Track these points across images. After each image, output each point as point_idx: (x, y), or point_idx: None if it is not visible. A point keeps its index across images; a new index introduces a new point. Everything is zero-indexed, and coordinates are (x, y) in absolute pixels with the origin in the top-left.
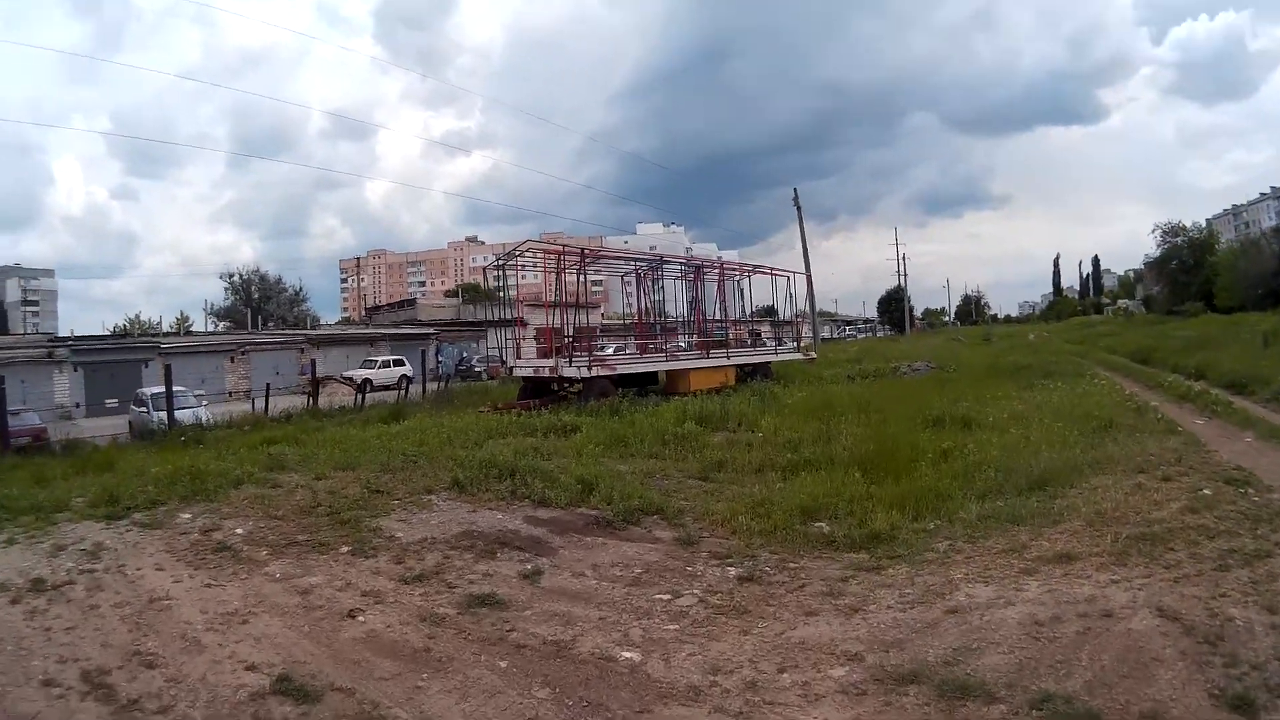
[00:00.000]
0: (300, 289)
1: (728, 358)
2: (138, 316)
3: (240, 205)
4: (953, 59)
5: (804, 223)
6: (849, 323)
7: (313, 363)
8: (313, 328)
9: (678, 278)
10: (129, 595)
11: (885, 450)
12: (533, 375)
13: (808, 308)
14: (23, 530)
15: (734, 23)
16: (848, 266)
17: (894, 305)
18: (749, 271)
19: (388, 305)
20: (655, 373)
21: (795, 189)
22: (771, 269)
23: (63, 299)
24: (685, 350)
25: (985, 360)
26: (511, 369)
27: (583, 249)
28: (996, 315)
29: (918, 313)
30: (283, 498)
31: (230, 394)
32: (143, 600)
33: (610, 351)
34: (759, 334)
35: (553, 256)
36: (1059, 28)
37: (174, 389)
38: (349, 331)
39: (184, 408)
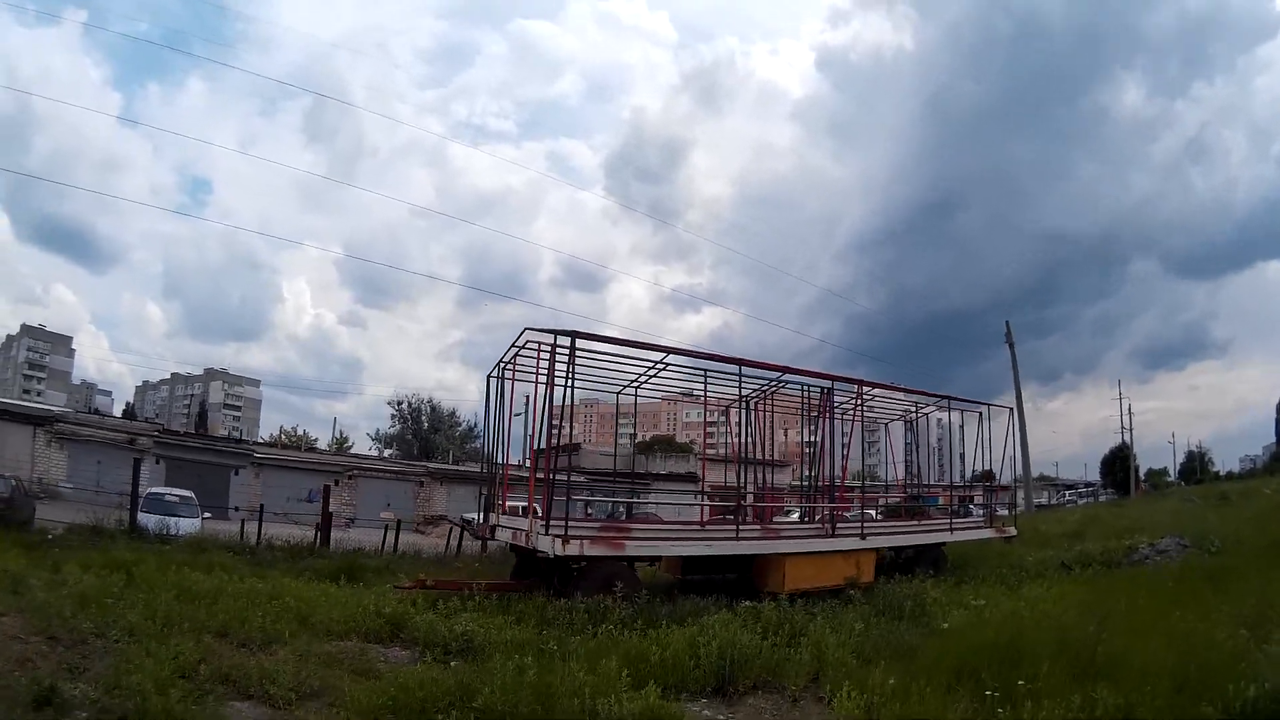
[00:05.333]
0: (475, 425)
1: (861, 536)
2: (295, 429)
3: (468, 345)
4: (1170, 196)
5: (1028, 383)
6: (1070, 487)
7: (326, 489)
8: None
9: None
10: None
11: None
12: (522, 545)
13: (1016, 463)
14: None
15: (959, 173)
16: (1069, 428)
17: (1117, 465)
18: (924, 405)
19: (552, 449)
20: (749, 558)
21: (1008, 322)
22: (955, 398)
23: (280, 411)
24: (788, 524)
25: (1252, 530)
26: (494, 529)
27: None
28: (1219, 473)
29: (1141, 473)
30: None
31: (331, 517)
32: None
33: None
34: (920, 498)
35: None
36: (1271, 146)
37: (176, 495)
38: (477, 471)
39: (176, 515)
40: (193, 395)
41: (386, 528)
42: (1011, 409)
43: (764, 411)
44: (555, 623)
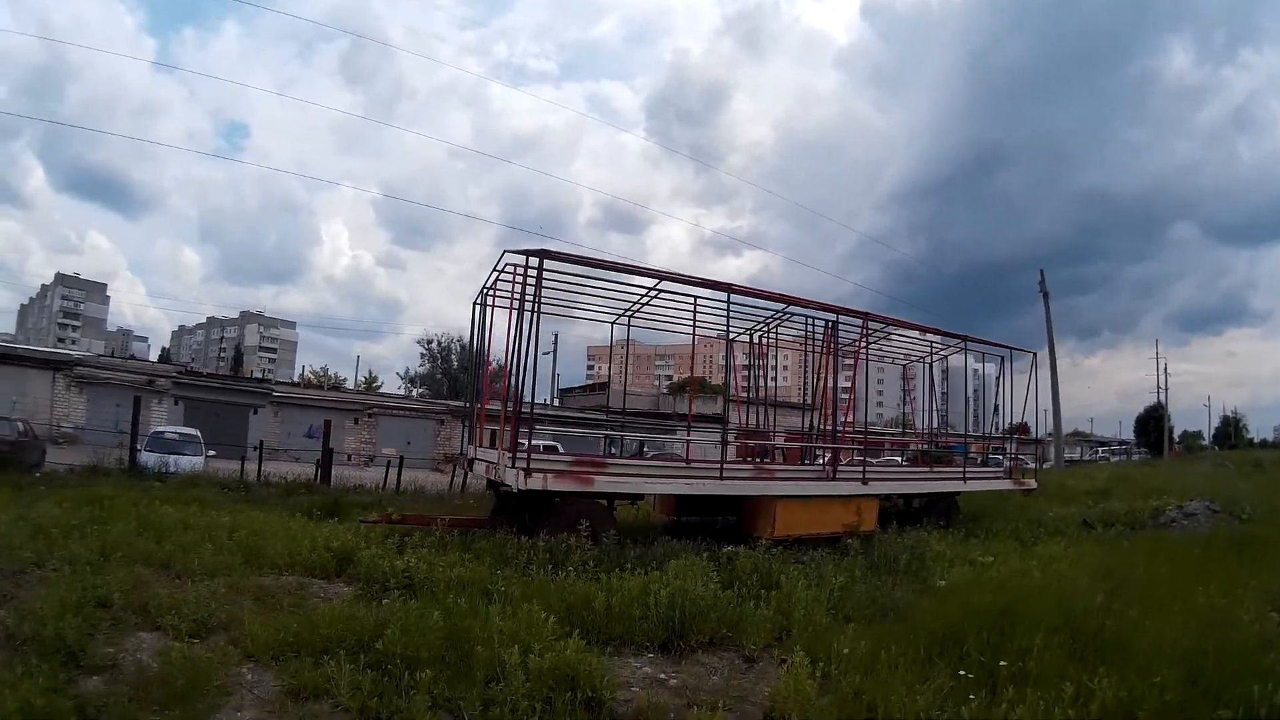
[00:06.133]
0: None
1: (862, 481)
2: (324, 369)
3: (568, 297)
4: (1213, 163)
5: (1066, 338)
6: (1103, 443)
7: (326, 424)
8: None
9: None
10: None
11: None
12: (494, 479)
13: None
14: None
15: (1002, 130)
16: (1106, 385)
17: (1152, 425)
18: (942, 347)
19: (581, 388)
20: (742, 500)
21: (1041, 270)
22: (974, 338)
23: (316, 352)
24: (780, 463)
25: None
26: (471, 462)
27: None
28: (1253, 440)
29: (1175, 435)
30: None
31: (349, 456)
32: None
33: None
34: (940, 446)
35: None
36: None
37: (181, 434)
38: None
39: (179, 454)
40: (227, 338)
41: (389, 464)
42: (1036, 352)
43: (769, 346)
44: (513, 562)
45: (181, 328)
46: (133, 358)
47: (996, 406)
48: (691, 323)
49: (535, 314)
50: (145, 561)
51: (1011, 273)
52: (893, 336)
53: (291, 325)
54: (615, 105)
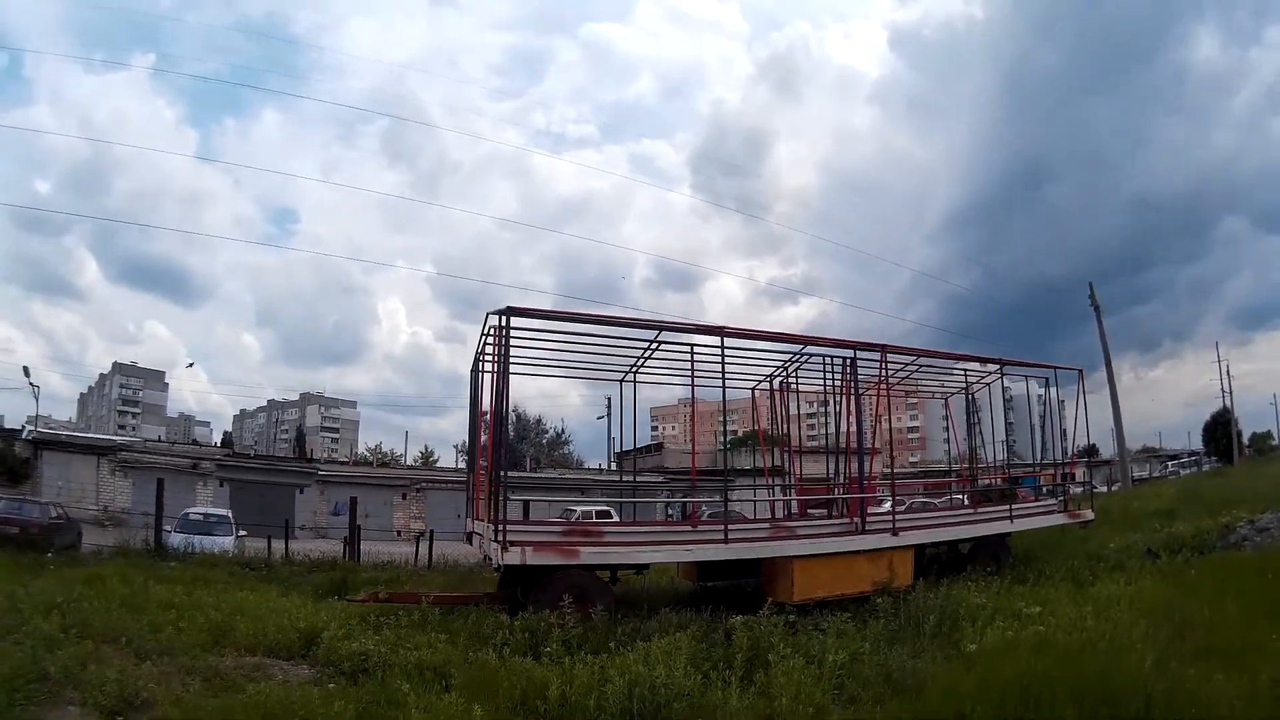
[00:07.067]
0: (563, 430)
1: (892, 532)
2: (378, 446)
3: (566, 357)
4: (1253, 150)
5: (1128, 352)
6: (1173, 457)
7: (353, 500)
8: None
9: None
10: None
11: None
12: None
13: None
14: None
15: (1043, 144)
16: (1172, 397)
17: (1219, 431)
18: (983, 374)
19: (639, 450)
20: (760, 562)
21: (1091, 284)
22: (1011, 361)
23: (381, 430)
24: (797, 520)
25: None
26: (471, 535)
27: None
28: None
29: (1245, 438)
30: None
31: (398, 533)
32: None
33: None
34: (1004, 478)
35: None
36: None
37: (210, 514)
38: (548, 476)
39: (211, 534)
40: (289, 420)
41: (418, 539)
42: (1081, 369)
43: (788, 391)
44: (490, 642)
45: (243, 411)
46: (195, 443)
47: (1064, 431)
48: (691, 373)
49: (502, 374)
50: (109, 639)
51: (1067, 291)
52: (938, 369)
53: (352, 404)
54: (658, 164)
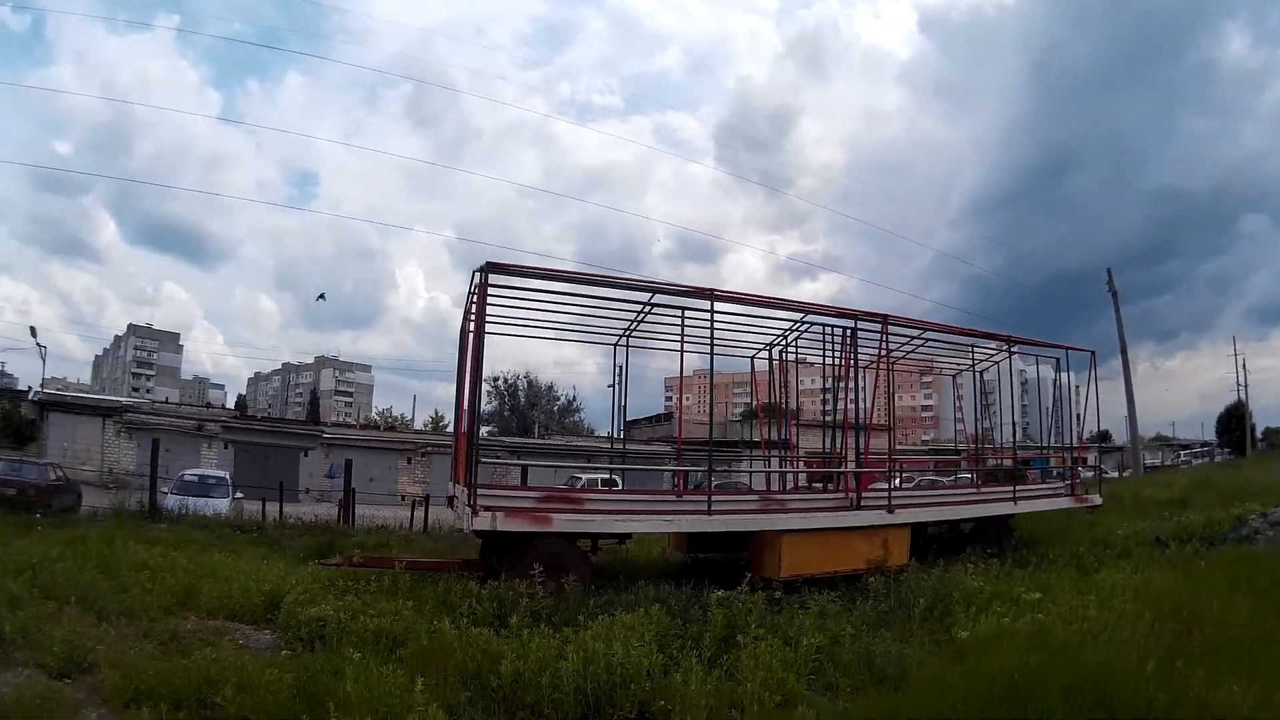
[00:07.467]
0: (574, 398)
1: (888, 509)
2: (388, 410)
3: (584, 323)
4: (1277, 149)
5: (1144, 341)
6: (1185, 447)
7: (348, 463)
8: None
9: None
10: None
11: None
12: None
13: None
14: None
15: (1069, 134)
16: (1188, 388)
17: (1233, 424)
18: (990, 351)
19: (648, 419)
20: (747, 536)
21: (1109, 270)
22: (1019, 339)
23: (397, 395)
24: (777, 491)
25: None
26: (452, 500)
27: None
28: None
29: (1259, 432)
30: None
31: (402, 497)
32: None
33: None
34: (1012, 458)
35: None
36: None
37: (207, 476)
38: (556, 444)
39: (207, 496)
40: (303, 384)
41: (414, 503)
42: (1093, 351)
43: (789, 361)
44: (457, 610)
45: (258, 374)
46: (208, 405)
47: (1077, 416)
48: (680, 338)
49: (478, 333)
50: (76, 601)
51: (1088, 279)
52: (946, 344)
53: (367, 369)
54: (682, 136)
